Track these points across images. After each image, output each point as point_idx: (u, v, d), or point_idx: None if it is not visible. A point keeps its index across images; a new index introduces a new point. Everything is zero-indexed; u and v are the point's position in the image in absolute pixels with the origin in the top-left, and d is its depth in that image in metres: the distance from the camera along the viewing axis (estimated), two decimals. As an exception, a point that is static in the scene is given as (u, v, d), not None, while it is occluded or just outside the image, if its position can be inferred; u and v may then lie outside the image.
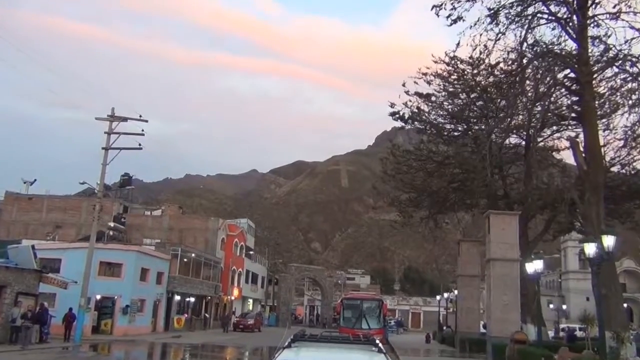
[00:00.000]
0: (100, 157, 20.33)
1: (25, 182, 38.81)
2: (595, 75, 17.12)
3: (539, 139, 22.00)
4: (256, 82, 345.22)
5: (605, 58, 16.58)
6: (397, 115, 24.96)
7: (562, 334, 29.44)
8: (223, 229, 41.48)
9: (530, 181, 21.77)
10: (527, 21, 17.15)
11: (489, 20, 17.39)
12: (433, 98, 24.75)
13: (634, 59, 15.78)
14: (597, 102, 18.86)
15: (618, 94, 19.01)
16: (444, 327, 35.92)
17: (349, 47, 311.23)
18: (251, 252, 50.23)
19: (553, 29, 17.44)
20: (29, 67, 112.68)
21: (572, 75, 17.25)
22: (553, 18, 17.16)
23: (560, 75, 17.53)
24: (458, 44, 20.01)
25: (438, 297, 45.12)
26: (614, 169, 21.36)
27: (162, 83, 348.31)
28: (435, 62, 23.80)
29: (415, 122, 25.29)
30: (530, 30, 17.25)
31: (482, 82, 22.40)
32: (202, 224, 40.69)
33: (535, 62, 17.34)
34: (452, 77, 23.99)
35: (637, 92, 16.76)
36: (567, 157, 23.61)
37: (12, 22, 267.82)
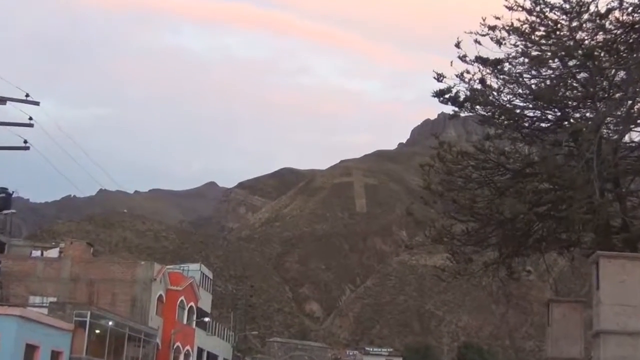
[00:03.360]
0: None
1: None
2: None
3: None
4: (217, 39, 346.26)
5: None
6: (447, 96, 24.86)
7: None
8: (161, 281, 41.33)
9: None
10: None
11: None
12: (506, 67, 24.64)
13: None
14: None
15: None
16: None
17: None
18: (207, 319, 49.91)
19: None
20: None
21: None
22: None
23: None
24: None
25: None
26: None
27: (65, 41, 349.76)
28: (510, 7, 23.55)
29: (477, 107, 25.17)
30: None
31: (587, 42, 22.34)
32: (127, 272, 40.51)
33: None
34: (538, 32, 23.88)
35: None
36: None
37: None
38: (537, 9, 22.80)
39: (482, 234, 25.95)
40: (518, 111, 25.07)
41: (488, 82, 24.11)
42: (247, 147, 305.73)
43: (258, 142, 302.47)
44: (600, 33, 20.84)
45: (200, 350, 47.71)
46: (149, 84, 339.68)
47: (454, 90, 24.61)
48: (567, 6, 21.24)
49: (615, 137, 22.51)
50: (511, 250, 26.81)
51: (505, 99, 24.98)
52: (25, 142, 19.85)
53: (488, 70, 24.09)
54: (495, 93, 24.17)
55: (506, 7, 23.23)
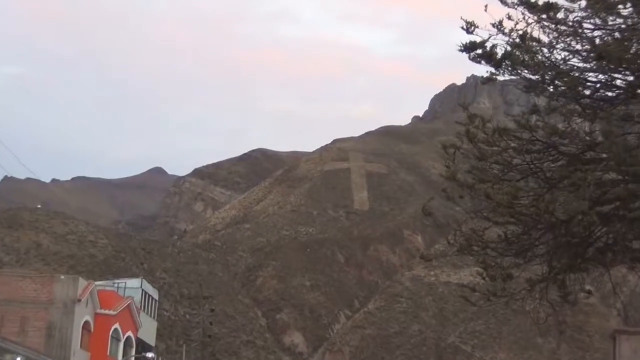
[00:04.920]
0: None
1: None
2: None
3: None
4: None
5: None
6: (480, 52, 24.95)
7: None
8: (88, 302, 41.27)
9: None
10: None
11: None
12: (560, 14, 24.78)
13: None
14: None
15: None
16: None
17: None
18: (150, 355, 49.86)
19: None
20: None
21: None
22: None
23: None
24: None
25: None
26: None
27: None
28: None
29: (520, 68, 25.33)
30: None
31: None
32: (41, 290, 40.46)
33: None
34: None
35: None
36: None
37: None
38: None
39: (525, 241, 25.97)
40: (576, 74, 25.09)
41: (536, 34, 24.13)
42: (206, 121, 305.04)
43: (220, 115, 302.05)
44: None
45: (141, 398, 47.67)
46: (75, 37, 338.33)
47: (488, 45, 24.58)
48: None
49: None
50: (565, 264, 26.85)
51: (559, 57, 24.95)
52: None
53: (536, 18, 24.11)
54: (545, 49, 24.15)
55: None
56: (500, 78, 26.79)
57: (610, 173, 25.63)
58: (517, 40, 25.12)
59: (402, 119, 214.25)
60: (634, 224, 25.86)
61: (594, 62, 26.03)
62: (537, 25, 25.21)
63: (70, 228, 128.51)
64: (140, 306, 49.61)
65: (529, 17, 25.12)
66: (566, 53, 26.05)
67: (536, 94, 26.04)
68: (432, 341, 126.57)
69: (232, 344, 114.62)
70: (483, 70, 26.20)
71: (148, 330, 51.15)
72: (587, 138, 26.07)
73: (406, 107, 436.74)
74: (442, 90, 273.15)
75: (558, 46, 25.87)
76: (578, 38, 25.94)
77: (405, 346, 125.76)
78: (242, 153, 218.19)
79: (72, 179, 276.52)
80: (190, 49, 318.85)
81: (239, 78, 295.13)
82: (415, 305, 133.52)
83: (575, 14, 25.16)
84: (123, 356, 45.30)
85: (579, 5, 24.99)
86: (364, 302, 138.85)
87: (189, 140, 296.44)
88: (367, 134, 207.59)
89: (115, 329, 43.88)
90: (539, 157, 26.08)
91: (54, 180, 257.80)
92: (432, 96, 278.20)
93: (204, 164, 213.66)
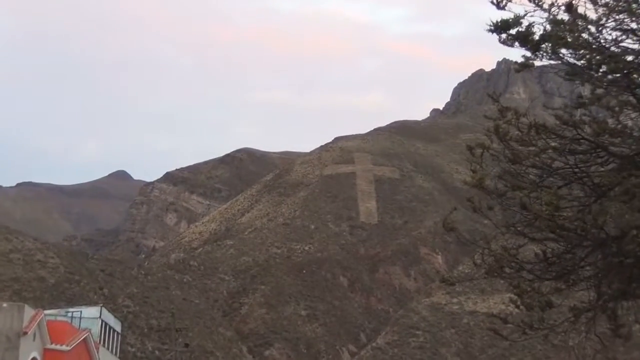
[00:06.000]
0: None
1: None
2: None
3: None
4: None
5: None
6: (514, 32, 25.14)
7: None
8: (35, 335, 41.25)
9: None
10: None
11: None
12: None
13: None
14: None
15: None
16: None
17: None
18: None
19: None
20: None
21: None
22: None
23: None
24: None
25: None
26: None
27: None
28: None
29: (563, 50, 25.52)
30: None
31: None
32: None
33: None
34: None
35: None
36: None
37: None
38: None
39: (569, 262, 26.05)
40: (630, 58, 25.18)
41: (581, 10, 24.24)
42: (180, 115, 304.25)
43: (198, 108, 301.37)
44: None
45: None
46: (23, 19, 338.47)
47: (524, 23, 24.68)
48: None
49: None
50: (617, 289, 26.85)
51: (610, 37, 25.06)
52: None
53: (581, -9, 24.31)
54: (593, 27, 24.28)
55: None
56: (538, 63, 26.85)
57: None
58: (559, 16, 25.28)
59: (419, 113, 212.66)
60: None
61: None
62: (583, -1, 25.33)
63: (15, 245, 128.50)
64: (100, 340, 49.57)
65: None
66: (618, 33, 26.23)
67: (582, 82, 26.23)
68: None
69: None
70: (517, 53, 26.28)
71: (109, 369, 51.15)
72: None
73: (423, 98, 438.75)
74: (467, 77, 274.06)
75: (608, 24, 26.05)
76: (632, 15, 26.17)
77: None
78: (224, 154, 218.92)
79: (17, 185, 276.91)
80: (162, 27, 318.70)
81: (221, 63, 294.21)
82: (434, 340, 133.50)
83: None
84: (78, 401, 45.25)
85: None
86: (372, 336, 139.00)
87: (160, 139, 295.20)
88: (376, 130, 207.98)
89: (69, 369, 43.85)
90: (585, 160, 26.23)
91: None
92: (455, 85, 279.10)
93: (178, 167, 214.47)
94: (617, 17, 26.11)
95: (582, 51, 26.36)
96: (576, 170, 26.75)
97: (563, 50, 26.16)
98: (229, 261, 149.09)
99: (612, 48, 26.42)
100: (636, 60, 26.67)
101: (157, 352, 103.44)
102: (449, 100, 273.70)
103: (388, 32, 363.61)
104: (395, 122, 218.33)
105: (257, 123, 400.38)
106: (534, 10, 25.61)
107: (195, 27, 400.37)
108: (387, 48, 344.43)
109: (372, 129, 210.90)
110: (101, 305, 57.41)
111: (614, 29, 26.15)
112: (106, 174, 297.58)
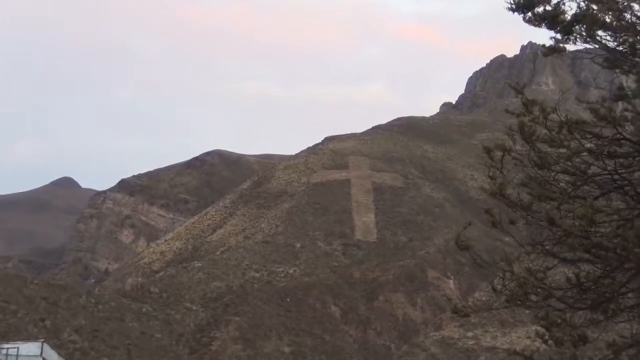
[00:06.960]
0: None
1: None
2: None
3: None
4: None
5: None
6: (540, 10, 25.27)
7: None
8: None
9: None
10: None
11: None
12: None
13: None
14: None
15: None
16: None
17: None
18: None
19: None
20: None
21: None
22: None
23: None
24: None
25: None
26: None
27: None
28: None
29: (599, 33, 25.68)
30: None
31: None
32: None
33: None
34: None
35: None
36: None
37: None
38: None
39: (607, 288, 26.06)
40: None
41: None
42: (139, 110, 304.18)
43: (160, 102, 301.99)
44: None
45: None
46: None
47: (553, 1, 24.76)
48: None
49: None
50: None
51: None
52: None
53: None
54: (637, 5, 24.40)
55: None
56: (571, 48, 26.91)
57: None
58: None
59: (427, 107, 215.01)
60: None
61: None
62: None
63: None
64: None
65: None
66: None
67: (623, 71, 26.26)
68: None
69: None
70: (545, 36, 26.33)
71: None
72: None
73: (432, 89, 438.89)
74: (484, 65, 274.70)
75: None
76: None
77: None
78: (191, 157, 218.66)
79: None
80: (121, 5, 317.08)
81: (190, 48, 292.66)
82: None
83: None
84: None
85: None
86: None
87: (114, 139, 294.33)
88: (375, 129, 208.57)
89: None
90: (627, 164, 26.22)
91: None
92: (470, 74, 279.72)
93: (135, 173, 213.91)
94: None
95: (623, 34, 26.43)
96: (616, 177, 26.72)
97: (600, 33, 26.20)
98: (197, 287, 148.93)
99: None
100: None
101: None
102: (462, 92, 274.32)
103: (392, 12, 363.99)
104: (398, 119, 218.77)
105: (231, 120, 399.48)
106: (564, -15, 25.59)
107: (160, 5, 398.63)
108: (389, 30, 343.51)
109: (370, 127, 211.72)
110: (42, 340, 57.27)
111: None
112: (47, 182, 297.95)
